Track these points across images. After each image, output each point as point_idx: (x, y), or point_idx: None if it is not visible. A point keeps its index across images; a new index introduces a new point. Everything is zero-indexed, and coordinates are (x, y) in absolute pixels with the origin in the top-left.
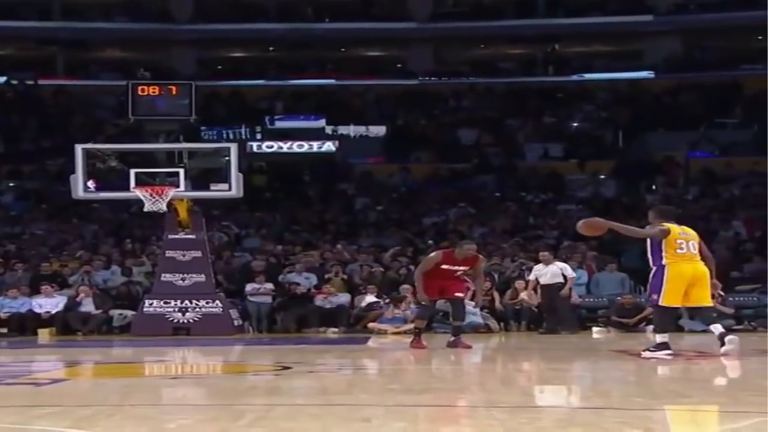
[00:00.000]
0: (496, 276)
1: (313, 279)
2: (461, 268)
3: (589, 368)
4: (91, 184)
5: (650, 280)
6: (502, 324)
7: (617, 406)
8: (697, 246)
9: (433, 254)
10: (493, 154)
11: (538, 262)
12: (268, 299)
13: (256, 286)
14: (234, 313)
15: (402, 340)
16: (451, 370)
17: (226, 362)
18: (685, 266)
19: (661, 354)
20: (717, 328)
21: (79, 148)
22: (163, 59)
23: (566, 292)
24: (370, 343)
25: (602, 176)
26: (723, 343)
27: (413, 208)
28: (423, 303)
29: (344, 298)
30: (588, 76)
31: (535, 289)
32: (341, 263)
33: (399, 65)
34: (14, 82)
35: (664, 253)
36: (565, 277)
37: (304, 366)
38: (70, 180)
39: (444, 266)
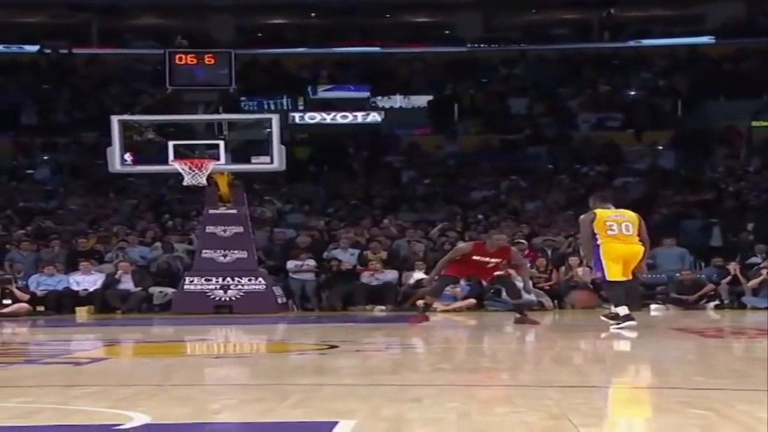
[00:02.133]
0: (549, 252)
1: (359, 255)
2: (493, 260)
3: (647, 347)
4: (128, 157)
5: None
6: (555, 301)
7: (677, 386)
8: (632, 228)
9: (463, 245)
10: (545, 125)
11: None
12: (311, 276)
13: (298, 263)
14: (277, 290)
15: (452, 318)
16: (503, 348)
17: (270, 341)
18: (617, 245)
19: (626, 325)
20: (623, 310)
21: (115, 120)
22: (201, 26)
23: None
24: None
25: (660, 147)
26: (620, 322)
27: (462, 181)
28: (437, 278)
29: (391, 275)
30: (645, 41)
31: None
32: (388, 239)
33: (447, 32)
34: (47, 51)
35: (597, 235)
36: None
37: (351, 345)
38: (106, 153)
39: (475, 257)
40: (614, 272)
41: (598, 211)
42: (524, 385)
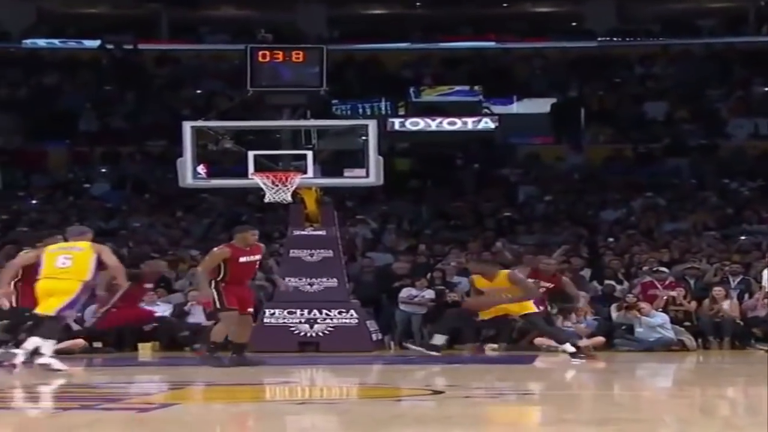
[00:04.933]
0: (692, 282)
1: (467, 284)
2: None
3: None
4: (201, 169)
5: None
6: (699, 340)
7: None
8: None
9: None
10: (688, 132)
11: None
12: (424, 309)
13: (414, 293)
14: (372, 325)
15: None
16: (637, 396)
17: (363, 384)
18: None
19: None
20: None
21: (187, 126)
22: (287, 18)
23: None
24: (538, 362)
25: None
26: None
27: (589, 199)
28: None
29: None
30: None
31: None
32: (501, 265)
33: (574, 23)
34: (110, 46)
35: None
36: None
37: (459, 390)
38: (176, 165)
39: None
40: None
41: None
42: None
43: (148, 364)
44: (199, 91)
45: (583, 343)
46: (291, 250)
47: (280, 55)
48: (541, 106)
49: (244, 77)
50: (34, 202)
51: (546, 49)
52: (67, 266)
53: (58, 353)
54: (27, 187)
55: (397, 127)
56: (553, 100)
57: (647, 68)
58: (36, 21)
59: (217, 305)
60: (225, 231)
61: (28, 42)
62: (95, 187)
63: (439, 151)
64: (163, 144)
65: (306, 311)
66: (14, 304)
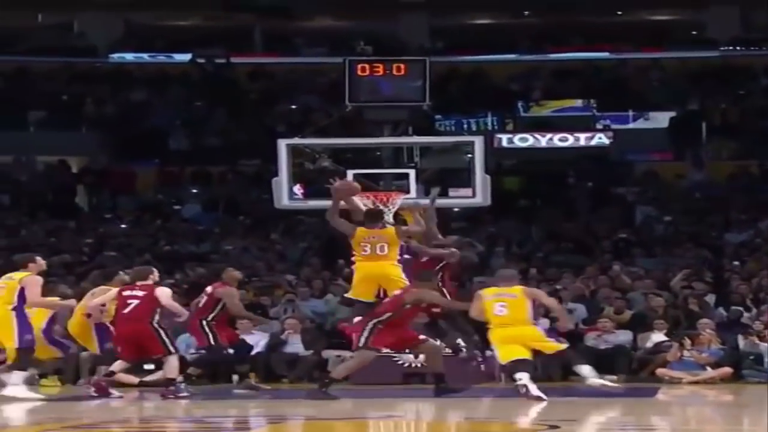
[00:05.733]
0: None
1: (582, 311)
2: None
3: None
4: (297, 189)
5: None
6: None
7: None
8: (387, 248)
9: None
10: None
11: None
12: None
13: None
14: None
15: (701, 392)
16: None
17: (472, 419)
18: (370, 265)
19: None
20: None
21: (282, 144)
22: (388, 29)
23: None
24: (660, 395)
25: None
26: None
27: (712, 219)
28: None
29: (624, 336)
30: None
31: None
32: (618, 290)
33: (694, 32)
34: (201, 60)
35: (354, 252)
36: None
37: (575, 425)
38: (270, 185)
39: None
40: (361, 294)
41: (359, 228)
42: None
43: (245, 397)
44: (294, 107)
45: (708, 373)
46: None
47: (380, 68)
48: (660, 120)
49: (342, 92)
50: (123, 226)
51: (664, 59)
52: (504, 314)
53: (149, 386)
54: (114, 209)
55: (504, 143)
56: (673, 114)
57: None
58: (124, 34)
59: (361, 342)
60: (322, 255)
61: (115, 56)
62: (186, 209)
63: (550, 169)
64: (256, 163)
65: None
66: (212, 342)
